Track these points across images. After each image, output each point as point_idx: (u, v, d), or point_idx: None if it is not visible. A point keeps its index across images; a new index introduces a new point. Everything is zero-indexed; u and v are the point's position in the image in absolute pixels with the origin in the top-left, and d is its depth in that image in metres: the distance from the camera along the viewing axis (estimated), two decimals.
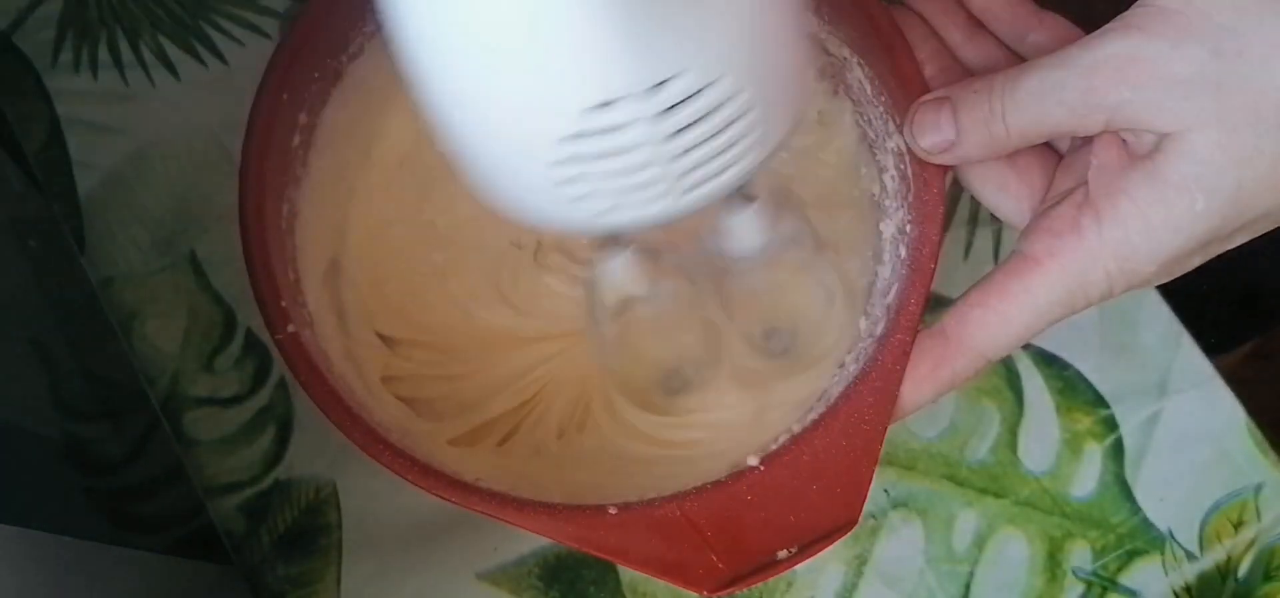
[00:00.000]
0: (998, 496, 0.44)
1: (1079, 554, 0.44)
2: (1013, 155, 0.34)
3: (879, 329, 0.36)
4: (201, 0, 0.51)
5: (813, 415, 0.35)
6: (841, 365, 0.38)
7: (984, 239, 0.48)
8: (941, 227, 0.35)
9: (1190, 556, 0.44)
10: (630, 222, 0.27)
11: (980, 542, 0.44)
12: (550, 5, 0.23)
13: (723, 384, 0.40)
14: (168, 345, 0.46)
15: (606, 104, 0.24)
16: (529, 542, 0.43)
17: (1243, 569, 0.44)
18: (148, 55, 0.50)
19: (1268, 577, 0.44)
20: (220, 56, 0.50)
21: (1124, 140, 0.31)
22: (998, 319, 0.32)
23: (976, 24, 0.37)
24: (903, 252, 0.37)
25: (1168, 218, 0.30)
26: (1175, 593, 0.43)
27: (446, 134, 0.27)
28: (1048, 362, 0.46)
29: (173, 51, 0.50)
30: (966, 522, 0.44)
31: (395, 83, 0.42)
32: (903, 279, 0.36)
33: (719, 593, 0.32)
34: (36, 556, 0.29)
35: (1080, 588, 0.43)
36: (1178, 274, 0.32)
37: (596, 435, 0.41)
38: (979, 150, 0.34)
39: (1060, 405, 0.45)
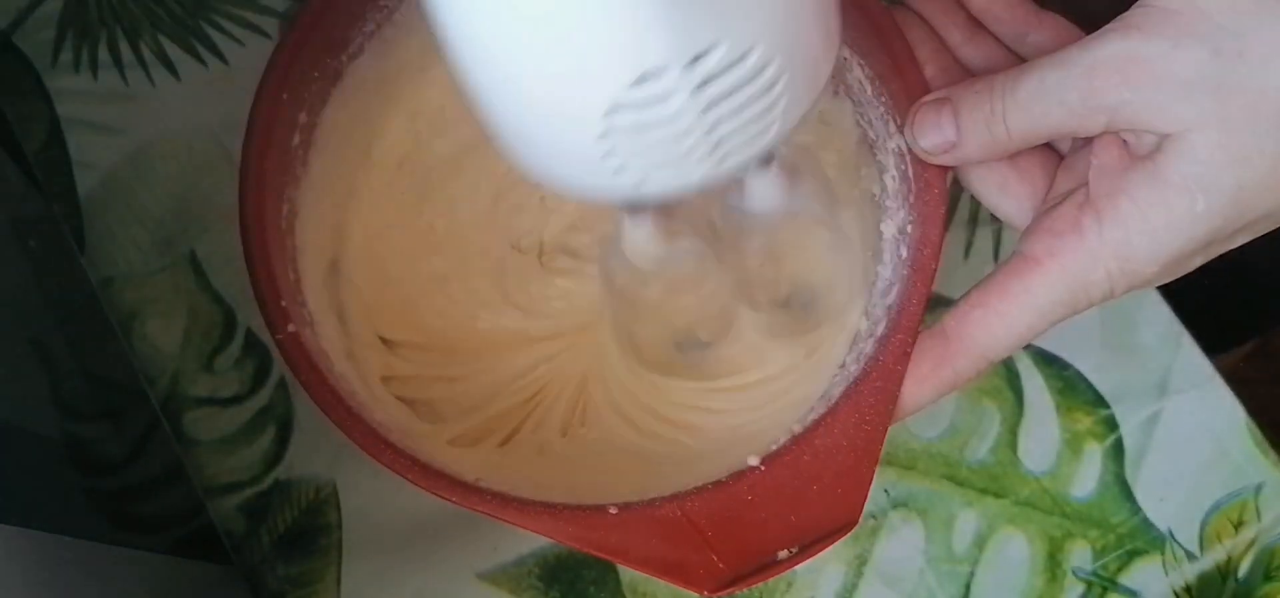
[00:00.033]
0: (998, 496, 0.44)
1: (1079, 554, 0.44)
2: (1013, 156, 0.34)
3: (880, 329, 0.36)
4: (201, 0, 0.51)
5: (813, 416, 0.35)
6: (842, 365, 0.38)
7: (984, 239, 0.48)
8: (942, 227, 0.35)
9: (1190, 556, 0.44)
10: (669, 189, 0.28)
11: (980, 542, 0.44)
12: None
13: (741, 342, 0.40)
14: (168, 345, 0.46)
15: (649, 76, 0.24)
16: (529, 542, 0.43)
17: (1243, 569, 0.44)
18: (148, 55, 0.50)
19: (1268, 577, 0.44)
20: (220, 56, 0.50)
21: (1124, 141, 0.31)
22: (998, 320, 0.32)
23: (976, 24, 0.37)
24: (903, 252, 0.37)
25: (1168, 218, 0.30)
26: (1175, 593, 0.43)
27: (485, 108, 0.28)
28: (1048, 362, 0.46)
29: (173, 51, 0.50)
30: (966, 522, 0.44)
31: (395, 83, 0.43)
32: (903, 279, 0.36)
33: (719, 593, 0.32)
34: (36, 556, 0.29)
35: (1080, 588, 0.43)
36: (1178, 274, 0.32)
37: (600, 428, 0.41)
38: (980, 151, 0.34)
39: (1060, 405, 0.45)
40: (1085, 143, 0.33)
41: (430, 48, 0.43)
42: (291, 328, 0.35)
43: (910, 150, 0.36)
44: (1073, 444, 0.45)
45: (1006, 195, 0.35)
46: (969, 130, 0.33)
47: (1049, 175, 0.35)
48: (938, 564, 0.43)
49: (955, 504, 0.44)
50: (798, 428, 0.35)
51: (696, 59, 0.24)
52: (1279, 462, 0.45)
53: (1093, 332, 0.46)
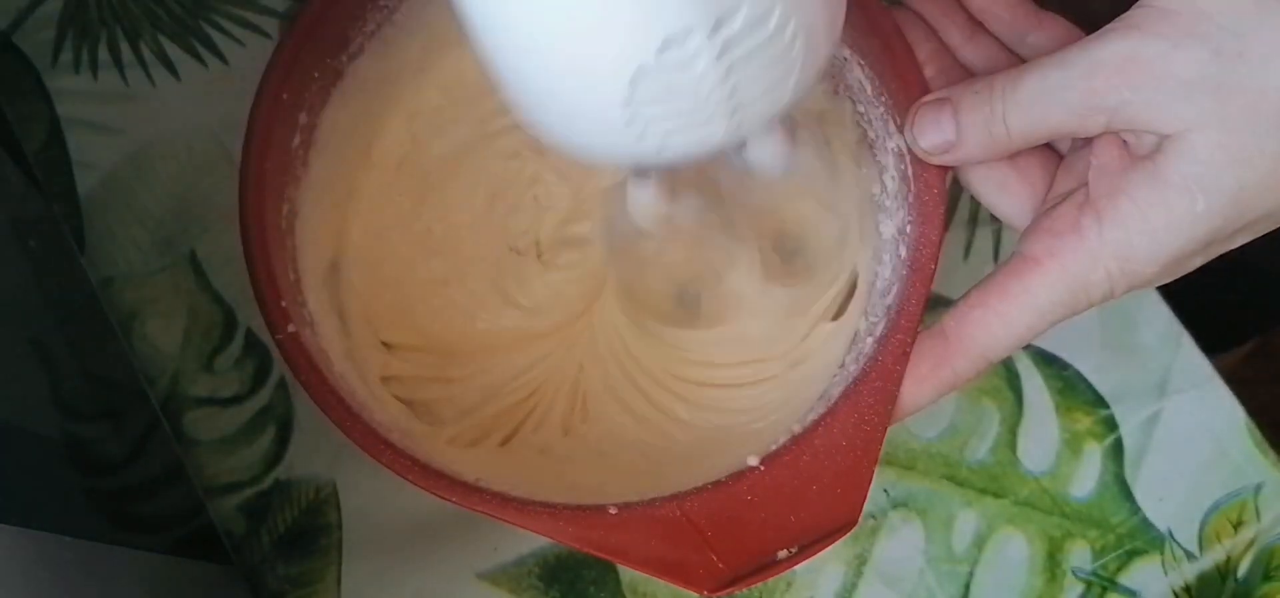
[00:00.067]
0: (997, 496, 0.44)
1: (1079, 554, 0.44)
2: (1013, 156, 0.34)
3: (879, 329, 0.36)
4: (201, 0, 0.51)
5: (813, 416, 0.35)
6: (841, 365, 0.38)
7: (984, 239, 0.48)
8: (942, 227, 0.35)
9: (1190, 556, 0.44)
10: (689, 152, 0.28)
11: (980, 542, 0.44)
12: None
13: (736, 295, 0.41)
14: (168, 345, 0.46)
15: (673, 42, 0.25)
16: (529, 542, 0.43)
17: (1242, 569, 0.44)
18: (148, 55, 0.50)
19: (1267, 577, 0.44)
20: (220, 56, 0.50)
21: (1124, 141, 0.31)
22: (998, 320, 0.32)
23: (976, 24, 0.37)
24: (903, 252, 0.37)
25: (1169, 218, 0.30)
26: (1175, 593, 0.43)
27: (507, 76, 0.28)
28: (1048, 362, 0.46)
29: (173, 51, 0.50)
30: (966, 522, 0.44)
31: (395, 83, 0.43)
32: (903, 279, 0.36)
33: (719, 593, 0.32)
34: (36, 556, 0.29)
35: (1080, 588, 0.43)
36: (1178, 275, 0.32)
37: (601, 424, 0.41)
38: (979, 151, 0.34)
39: (1060, 405, 0.45)
40: (1085, 143, 0.33)
41: (431, 48, 0.44)
42: (291, 328, 0.35)
43: (910, 150, 0.36)
44: (1072, 444, 0.45)
45: (1006, 195, 0.35)
46: (969, 130, 0.33)
47: (1049, 175, 0.35)
48: (937, 564, 0.43)
49: (955, 504, 0.44)
50: (797, 428, 0.35)
51: (720, 23, 0.25)
52: (1279, 462, 0.45)
53: (1093, 332, 0.46)
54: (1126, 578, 0.43)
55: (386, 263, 0.42)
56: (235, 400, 0.45)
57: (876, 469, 0.33)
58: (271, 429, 0.45)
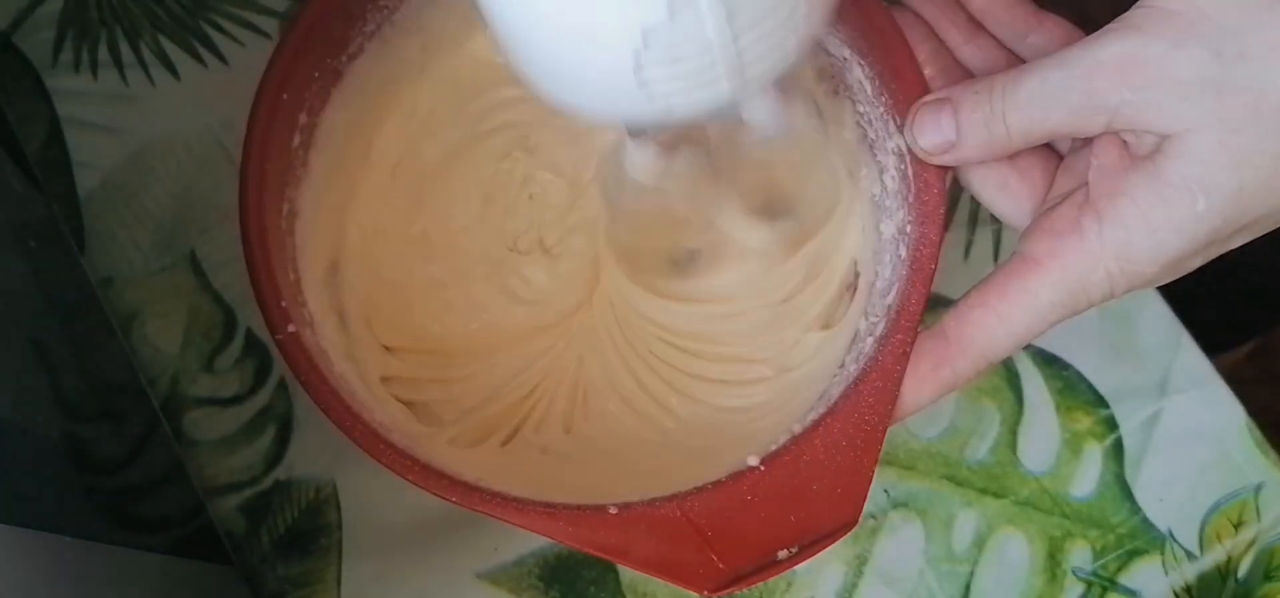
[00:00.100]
0: (998, 496, 0.44)
1: (1079, 554, 0.44)
2: (1013, 156, 0.34)
3: (879, 329, 0.36)
4: (201, 0, 0.51)
5: (813, 416, 0.35)
6: (841, 365, 0.38)
7: (984, 239, 0.48)
8: (942, 227, 0.35)
9: (1190, 556, 0.44)
10: (696, 110, 0.29)
11: (980, 542, 0.44)
12: None
13: (728, 255, 0.41)
14: (168, 345, 0.46)
15: (683, 3, 0.26)
16: (529, 542, 0.43)
17: (1243, 569, 0.44)
18: (148, 55, 0.50)
19: (1268, 577, 0.44)
20: (220, 56, 0.50)
21: (1124, 141, 0.31)
22: (998, 320, 0.32)
23: (976, 25, 0.37)
24: (903, 252, 0.37)
25: (1169, 219, 0.30)
26: (1175, 593, 0.43)
27: (516, 38, 0.29)
28: (1048, 362, 0.46)
29: (173, 51, 0.50)
30: (966, 522, 0.44)
31: (394, 84, 0.43)
32: (903, 279, 0.36)
33: (719, 593, 0.32)
34: (36, 556, 0.29)
35: (1080, 588, 0.43)
36: (1178, 275, 0.32)
37: (602, 421, 0.41)
38: (979, 151, 0.34)
39: (1060, 405, 0.45)
40: (1085, 143, 0.33)
41: (430, 48, 0.44)
42: (291, 328, 0.35)
43: (910, 150, 0.36)
44: (1072, 444, 0.45)
45: (1006, 195, 0.35)
46: (969, 130, 0.33)
47: (1049, 175, 0.35)
48: (938, 564, 0.43)
49: (955, 504, 0.44)
50: (797, 428, 0.35)
51: None
52: (1279, 462, 0.45)
53: (1093, 332, 0.46)
54: (1127, 578, 0.43)
55: (385, 266, 0.42)
56: (235, 400, 0.45)
57: (876, 469, 0.33)
58: (271, 429, 0.45)
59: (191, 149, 0.48)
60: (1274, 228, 0.31)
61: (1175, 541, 0.44)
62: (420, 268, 0.42)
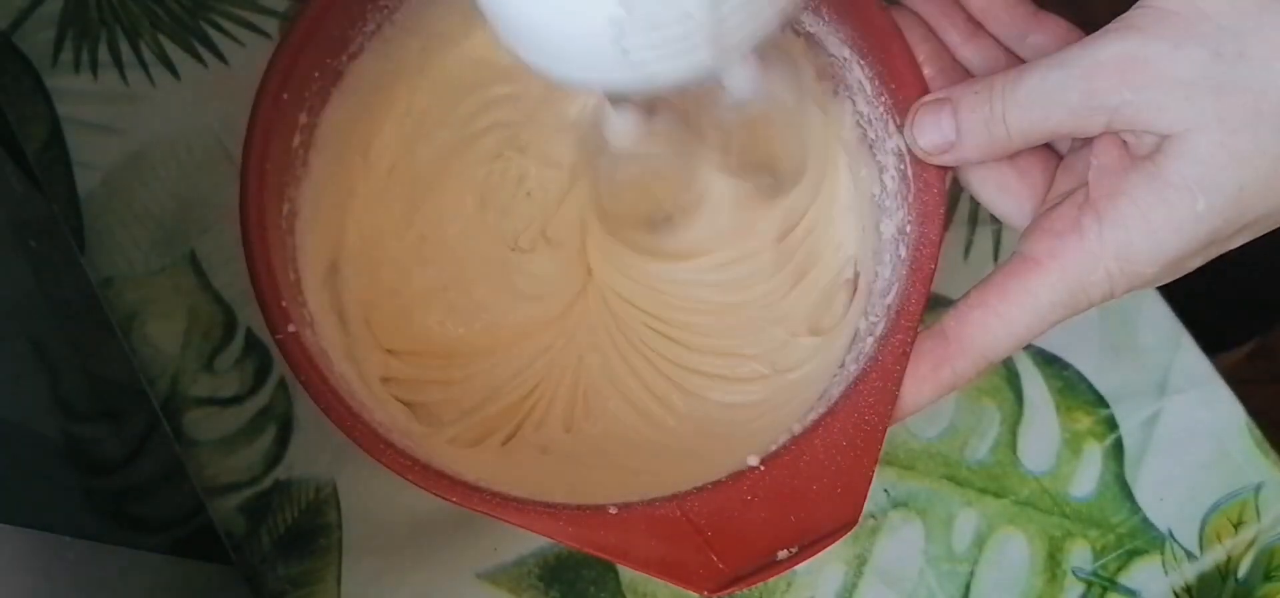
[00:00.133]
0: (998, 496, 0.44)
1: (1079, 554, 0.44)
2: (1013, 156, 0.34)
3: (879, 329, 0.36)
4: (201, 0, 0.51)
5: (813, 416, 0.35)
6: (841, 365, 0.38)
7: (984, 239, 0.48)
8: (942, 227, 0.35)
9: (1190, 556, 0.44)
10: (676, 79, 0.30)
11: (980, 542, 0.44)
12: None
13: (708, 217, 0.42)
14: (168, 345, 0.46)
15: None
16: (529, 542, 0.43)
17: (1243, 569, 0.44)
18: (148, 55, 0.50)
19: (1268, 577, 0.44)
20: (220, 56, 0.50)
21: (1124, 141, 0.31)
22: (998, 320, 0.32)
23: (976, 25, 0.37)
24: (903, 252, 0.37)
25: (1169, 219, 0.30)
26: (1175, 593, 0.43)
27: (504, 8, 0.29)
28: (1048, 362, 0.46)
29: (173, 51, 0.50)
30: (966, 522, 0.44)
31: (394, 84, 0.43)
32: (903, 279, 0.36)
33: (719, 593, 0.32)
34: (36, 556, 0.29)
35: (1080, 588, 0.43)
36: (1178, 275, 0.32)
37: (603, 420, 0.41)
38: (979, 151, 0.34)
39: (1060, 405, 0.45)
40: (1085, 143, 0.33)
41: (430, 48, 0.44)
42: (292, 328, 0.35)
43: (910, 150, 0.36)
44: (1073, 444, 0.45)
45: (1006, 195, 0.35)
46: (968, 130, 0.33)
47: (1049, 176, 0.35)
48: (938, 564, 0.43)
49: (955, 504, 0.44)
50: (797, 428, 0.35)
51: None
52: (1279, 462, 0.45)
53: (1093, 332, 0.46)
54: (1127, 578, 0.43)
55: (383, 270, 0.42)
56: (235, 400, 0.45)
57: (876, 469, 0.33)
58: (271, 429, 0.45)
59: (191, 149, 0.48)
60: (1274, 228, 0.31)
61: (1175, 541, 0.44)
62: (419, 272, 0.42)
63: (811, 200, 0.43)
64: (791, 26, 0.42)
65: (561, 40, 0.29)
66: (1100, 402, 0.45)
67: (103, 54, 0.50)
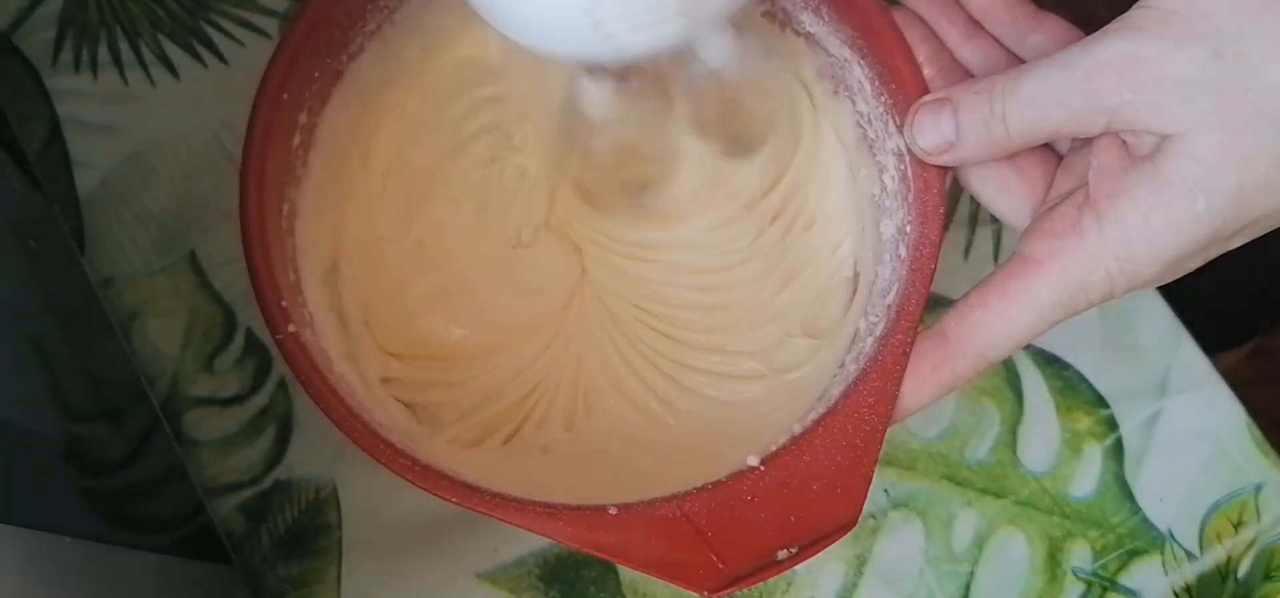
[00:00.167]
0: (998, 496, 0.44)
1: (1079, 554, 0.44)
2: (1013, 156, 0.34)
3: (879, 329, 0.36)
4: (201, 0, 0.51)
5: (813, 416, 0.35)
6: (841, 365, 0.38)
7: (984, 239, 0.48)
8: (942, 227, 0.35)
9: (1190, 556, 0.44)
10: (649, 50, 0.30)
11: (980, 542, 0.44)
12: None
13: (683, 183, 0.43)
14: (168, 346, 0.46)
15: None
16: (529, 542, 0.43)
17: (1243, 569, 0.44)
18: (148, 55, 0.50)
19: (1268, 577, 0.44)
20: (220, 56, 0.50)
21: (1124, 142, 0.31)
22: (998, 320, 0.32)
23: (976, 25, 0.37)
24: (903, 252, 0.37)
25: (1169, 219, 0.30)
26: (1175, 593, 0.43)
27: None
28: (1048, 362, 0.46)
29: (173, 51, 0.50)
30: (966, 522, 0.44)
31: (394, 85, 0.43)
32: (903, 279, 0.36)
33: (719, 593, 0.32)
34: (36, 556, 0.29)
35: (1080, 588, 0.43)
36: (1177, 275, 0.32)
37: (603, 419, 0.41)
38: (979, 151, 0.34)
39: (1060, 405, 0.45)
40: (1085, 143, 0.33)
41: (430, 49, 0.44)
42: (292, 328, 0.35)
43: (909, 150, 0.36)
44: (1073, 444, 0.45)
45: (1006, 196, 0.35)
46: (968, 130, 0.33)
47: (1048, 176, 0.35)
48: (938, 564, 0.43)
49: (955, 504, 0.44)
50: (797, 428, 0.35)
51: None
52: (1279, 462, 0.45)
53: (1093, 332, 0.46)
54: (1127, 578, 0.43)
55: (383, 276, 0.42)
56: (235, 400, 0.45)
57: (876, 469, 0.33)
58: (271, 429, 0.45)
59: (191, 149, 0.48)
60: (1274, 228, 0.31)
61: (1175, 541, 0.44)
62: (420, 279, 0.42)
63: (789, 160, 0.43)
64: (791, 27, 0.42)
65: (537, 15, 0.30)
66: (1100, 402, 0.45)
67: (103, 54, 0.50)
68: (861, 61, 0.39)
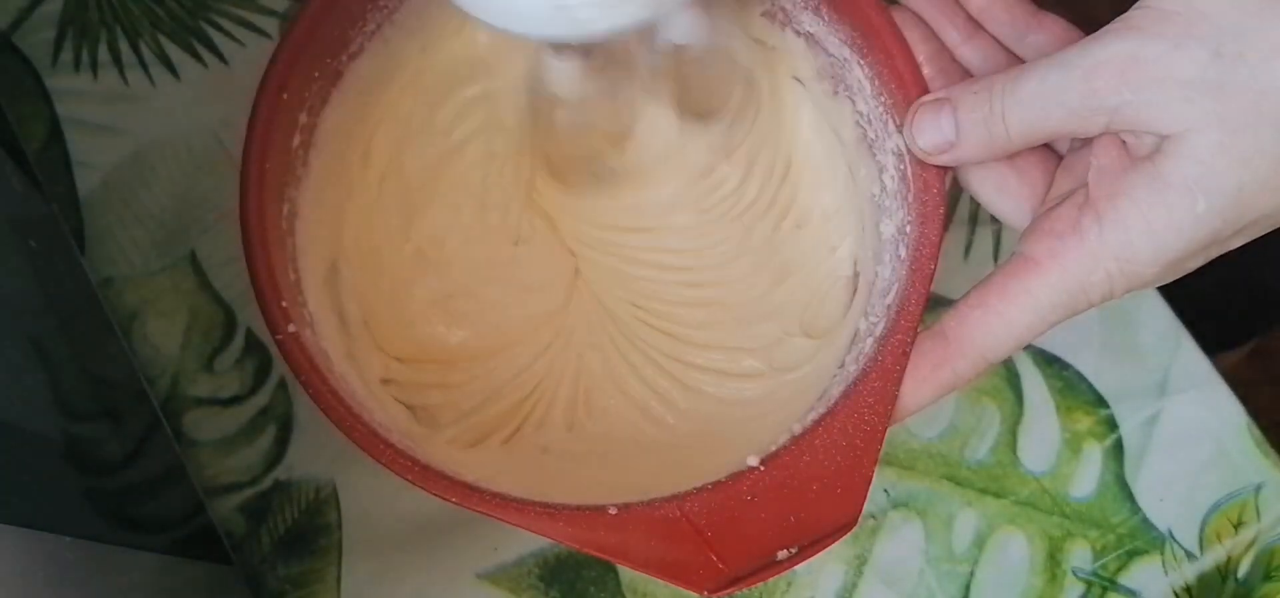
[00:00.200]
0: (998, 496, 0.44)
1: (1079, 554, 0.44)
2: (1013, 156, 0.34)
3: (879, 329, 0.36)
4: (201, 0, 0.51)
5: (813, 416, 0.35)
6: (841, 365, 0.38)
7: (984, 239, 0.48)
8: (942, 227, 0.35)
9: (1190, 556, 0.44)
10: (615, 28, 0.31)
11: (980, 542, 0.44)
12: None
13: (648, 155, 0.43)
14: (168, 346, 0.46)
15: None
16: (529, 542, 0.43)
17: (1242, 569, 0.44)
18: (148, 55, 0.50)
19: (1267, 577, 0.44)
20: (220, 56, 0.50)
21: (1124, 142, 0.31)
22: (998, 320, 0.32)
23: (976, 25, 0.37)
24: (903, 252, 0.37)
25: (1169, 219, 0.30)
26: (1175, 593, 0.43)
27: None
28: (1048, 362, 0.46)
29: (173, 51, 0.50)
30: (966, 522, 0.44)
31: (390, 86, 0.43)
32: (903, 279, 0.36)
33: (719, 593, 0.32)
34: (36, 556, 0.29)
35: (1080, 588, 0.43)
36: (1177, 275, 0.32)
37: (604, 419, 0.41)
38: (978, 151, 0.34)
39: (1060, 405, 0.45)
40: (1084, 143, 0.33)
41: (430, 49, 0.44)
42: (292, 328, 0.35)
43: (909, 150, 0.36)
44: (1073, 444, 0.45)
45: (1005, 196, 0.35)
46: (968, 130, 0.33)
47: (1048, 176, 0.35)
48: (937, 564, 0.43)
49: (955, 504, 0.44)
50: (797, 428, 0.35)
51: None
52: (1279, 462, 0.45)
53: (1093, 332, 0.46)
54: (1127, 578, 0.43)
55: (382, 280, 0.42)
56: (235, 400, 0.45)
57: (876, 469, 0.33)
58: (271, 429, 0.45)
59: (191, 149, 0.48)
60: (1274, 228, 0.31)
61: (1175, 541, 0.44)
62: (420, 282, 0.42)
63: (751, 123, 0.43)
64: (791, 26, 0.42)
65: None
66: (1100, 402, 0.45)
67: (103, 54, 0.50)
68: (861, 61, 0.39)
